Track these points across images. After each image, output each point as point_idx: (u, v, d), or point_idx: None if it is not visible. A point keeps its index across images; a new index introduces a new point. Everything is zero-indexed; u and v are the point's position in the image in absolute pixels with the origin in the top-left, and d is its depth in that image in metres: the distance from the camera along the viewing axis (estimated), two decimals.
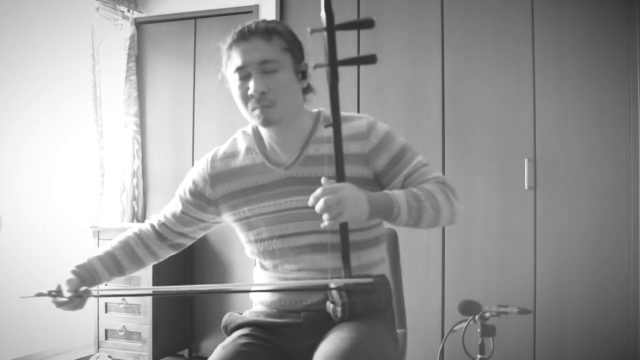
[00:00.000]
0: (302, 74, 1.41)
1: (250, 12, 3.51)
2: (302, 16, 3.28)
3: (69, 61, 3.52)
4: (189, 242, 1.62)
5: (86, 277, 1.46)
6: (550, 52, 2.83)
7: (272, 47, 1.36)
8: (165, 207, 1.61)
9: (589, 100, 2.77)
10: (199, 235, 1.62)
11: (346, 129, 1.39)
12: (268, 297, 1.46)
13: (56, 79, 3.47)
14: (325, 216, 1.19)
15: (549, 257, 2.82)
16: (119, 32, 3.75)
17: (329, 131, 1.25)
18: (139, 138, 3.78)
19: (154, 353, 3.30)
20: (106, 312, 3.39)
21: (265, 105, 1.36)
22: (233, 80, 1.40)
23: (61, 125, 3.50)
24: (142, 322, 3.31)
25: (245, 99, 1.38)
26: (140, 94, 3.81)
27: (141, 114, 3.81)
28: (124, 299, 3.31)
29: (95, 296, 1.44)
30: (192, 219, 1.56)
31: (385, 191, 1.34)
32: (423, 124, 3.03)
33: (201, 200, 1.53)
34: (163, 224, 1.58)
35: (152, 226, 1.59)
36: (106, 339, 3.39)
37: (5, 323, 3.14)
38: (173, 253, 1.62)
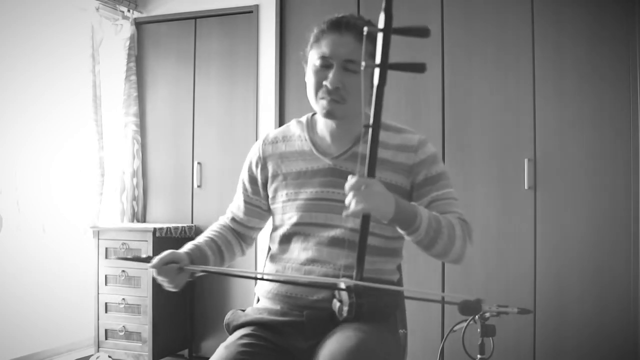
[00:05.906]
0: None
1: (251, 12, 3.51)
2: (302, 16, 3.28)
3: (69, 61, 3.52)
4: (255, 234, 1.64)
5: (197, 257, 1.46)
6: (550, 53, 2.83)
7: (362, 50, 1.34)
8: (230, 205, 1.64)
9: (589, 101, 2.77)
10: (263, 226, 1.63)
11: (398, 139, 1.48)
12: (275, 287, 1.47)
13: (56, 79, 3.47)
14: (352, 204, 1.20)
15: (549, 257, 2.82)
16: (119, 32, 3.75)
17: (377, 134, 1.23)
18: (139, 138, 3.78)
19: (154, 353, 3.30)
20: (106, 312, 3.38)
21: (335, 99, 1.41)
22: (313, 64, 1.44)
23: (61, 125, 3.51)
24: (142, 322, 3.31)
25: (318, 86, 1.43)
26: (140, 94, 3.81)
27: (141, 114, 3.81)
28: (124, 298, 3.32)
29: (194, 270, 1.41)
30: (253, 208, 1.59)
31: (413, 203, 1.37)
32: (423, 124, 3.03)
33: (256, 185, 1.57)
34: (233, 219, 1.62)
35: (227, 224, 1.61)
36: (106, 339, 3.39)
37: (5, 323, 3.14)
38: (247, 248, 1.65)
